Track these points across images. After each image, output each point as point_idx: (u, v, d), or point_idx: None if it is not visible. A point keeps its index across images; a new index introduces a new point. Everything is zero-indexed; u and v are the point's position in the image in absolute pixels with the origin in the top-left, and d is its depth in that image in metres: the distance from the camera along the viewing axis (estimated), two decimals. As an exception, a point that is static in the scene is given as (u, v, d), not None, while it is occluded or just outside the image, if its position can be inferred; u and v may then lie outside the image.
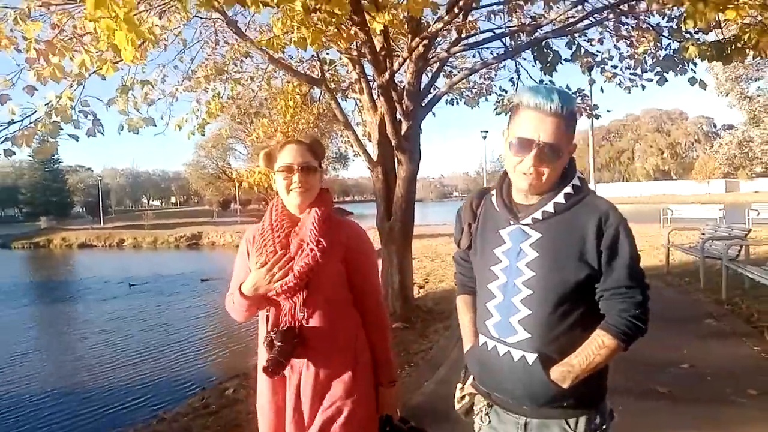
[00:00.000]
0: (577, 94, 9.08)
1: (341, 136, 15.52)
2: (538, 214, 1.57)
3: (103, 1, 2.93)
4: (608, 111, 12.44)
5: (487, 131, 24.02)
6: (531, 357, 1.53)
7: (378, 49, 6.16)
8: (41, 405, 7.21)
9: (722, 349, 5.27)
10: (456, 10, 5.71)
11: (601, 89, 8.81)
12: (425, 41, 6.11)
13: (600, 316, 1.54)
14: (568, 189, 1.57)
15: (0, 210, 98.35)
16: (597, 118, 10.98)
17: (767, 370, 4.62)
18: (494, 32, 7.12)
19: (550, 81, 7.40)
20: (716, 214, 17.20)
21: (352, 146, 12.75)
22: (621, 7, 6.51)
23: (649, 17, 6.79)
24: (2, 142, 4.89)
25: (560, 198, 1.56)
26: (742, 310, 6.64)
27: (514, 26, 7.36)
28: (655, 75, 7.41)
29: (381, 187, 7.15)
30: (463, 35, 6.79)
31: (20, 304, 16.18)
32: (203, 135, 8.39)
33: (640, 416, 3.62)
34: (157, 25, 4.11)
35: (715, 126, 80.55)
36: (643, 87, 7.89)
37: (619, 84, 8.05)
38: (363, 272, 2.06)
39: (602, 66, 7.92)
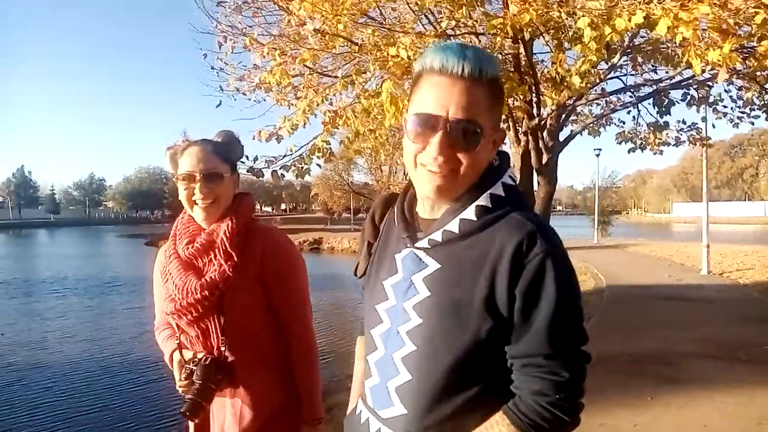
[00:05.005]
0: (691, 128, 10.49)
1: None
2: (437, 235, 1.08)
3: (395, 101, 5.16)
4: (709, 138, 13.64)
5: (600, 149, 25.27)
6: None
7: (529, 101, 8.16)
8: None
9: (806, 338, 6.77)
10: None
11: (713, 125, 10.23)
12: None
13: (513, 396, 1.04)
14: (482, 200, 1.05)
15: (134, 212, 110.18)
16: (710, 147, 12.28)
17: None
18: (622, 80, 8.92)
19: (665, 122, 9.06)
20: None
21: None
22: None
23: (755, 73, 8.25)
24: (280, 168, 7.48)
25: (469, 213, 1.05)
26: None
27: (634, 73, 9.08)
28: (763, 113, 8.83)
29: (524, 205, 9.12)
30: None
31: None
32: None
33: (722, 372, 5.45)
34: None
35: None
36: (752, 122, 9.28)
37: (729, 121, 9.47)
38: (283, 290, 1.77)
39: (714, 106, 9.41)
